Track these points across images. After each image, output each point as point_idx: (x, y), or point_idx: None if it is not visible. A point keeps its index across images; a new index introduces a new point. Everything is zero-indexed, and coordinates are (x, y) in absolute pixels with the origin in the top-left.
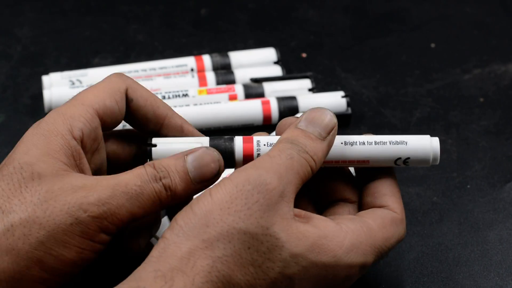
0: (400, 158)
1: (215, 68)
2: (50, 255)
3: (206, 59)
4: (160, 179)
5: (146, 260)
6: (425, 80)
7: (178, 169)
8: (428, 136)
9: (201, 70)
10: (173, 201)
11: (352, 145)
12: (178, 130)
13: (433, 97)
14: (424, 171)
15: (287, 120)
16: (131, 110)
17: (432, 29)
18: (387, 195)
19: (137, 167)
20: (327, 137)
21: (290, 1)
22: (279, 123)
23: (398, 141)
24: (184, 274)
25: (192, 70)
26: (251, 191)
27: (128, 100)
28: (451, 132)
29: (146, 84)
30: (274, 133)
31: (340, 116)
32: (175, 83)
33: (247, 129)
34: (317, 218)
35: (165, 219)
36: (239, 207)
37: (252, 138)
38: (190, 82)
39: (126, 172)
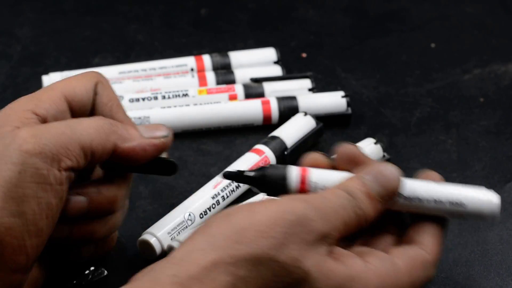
0: (455, 217)
1: (215, 68)
2: (13, 216)
3: (206, 59)
4: (106, 120)
5: (168, 259)
6: (425, 80)
7: (125, 123)
8: (490, 195)
9: (201, 70)
10: (128, 147)
11: (410, 201)
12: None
13: (433, 97)
14: None
15: (350, 149)
16: (93, 104)
17: (432, 29)
18: (428, 234)
19: None
20: (386, 199)
21: (290, 1)
22: (341, 150)
23: (458, 202)
24: (202, 285)
25: (192, 70)
26: (293, 221)
27: (93, 93)
28: (451, 132)
29: (146, 84)
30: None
31: (340, 116)
32: (175, 83)
33: (247, 129)
34: (347, 256)
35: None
36: (277, 234)
37: (308, 180)
38: (190, 82)
39: None
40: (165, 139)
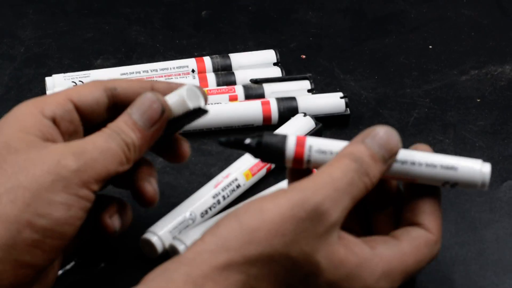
0: (448, 182)
1: (216, 70)
2: (38, 215)
3: (207, 60)
4: (118, 135)
5: (178, 259)
6: (423, 81)
7: (128, 123)
8: (479, 162)
9: (202, 71)
10: (137, 154)
11: (402, 164)
12: (168, 90)
13: (430, 97)
14: None
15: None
16: (120, 96)
17: (429, 31)
18: (426, 213)
19: (94, 132)
20: (388, 161)
21: (289, 3)
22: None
23: (449, 166)
24: (215, 284)
25: (193, 71)
26: (304, 217)
27: (111, 90)
28: (448, 132)
29: None
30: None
31: (338, 117)
32: None
33: (247, 129)
34: (355, 243)
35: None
36: (287, 231)
37: (305, 143)
38: (191, 83)
39: (88, 136)
40: (165, 116)
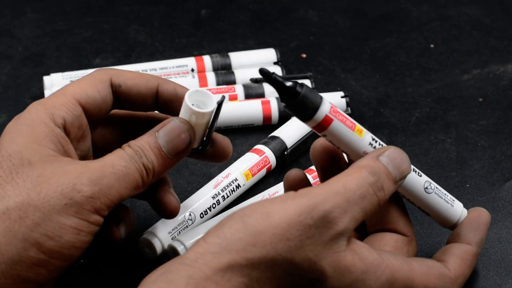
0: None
1: (216, 69)
2: (47, 236)
3: (207, 59)
4: (139, 159)
5: (179, 260)
6: (424, 81)
7: (152, 146)
8: (456, 215)
9: (201, 71)
10: (154, 179)
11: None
12: (173, 94)
13: (432, 97)
14: (423, 171)
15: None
16: (124, 94)
17: (431, 30)
18: (454, 255)
19: (116, 150)
20: (398, 183)
21: (290, 1)
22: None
23: (425, 211)
24: (217, 286)
25: (192, 70)
26: (312, 225)
27: (116, 87)
28: (450, 131)
29: None
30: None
31: None
32: None
33: (247, 129)
34: (362, 248)
35: None
36: (293, 236)
37: (336, 115)
38: (191, 83)
39: (108, 154)
40: (189, 148)
